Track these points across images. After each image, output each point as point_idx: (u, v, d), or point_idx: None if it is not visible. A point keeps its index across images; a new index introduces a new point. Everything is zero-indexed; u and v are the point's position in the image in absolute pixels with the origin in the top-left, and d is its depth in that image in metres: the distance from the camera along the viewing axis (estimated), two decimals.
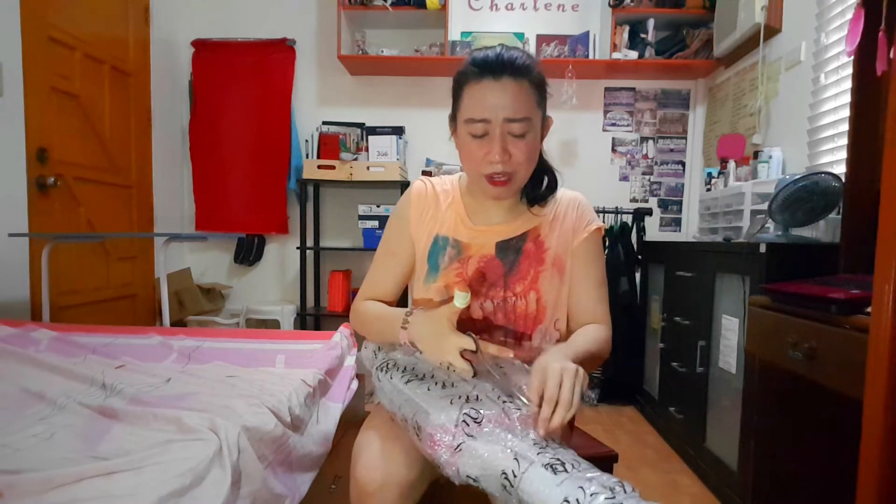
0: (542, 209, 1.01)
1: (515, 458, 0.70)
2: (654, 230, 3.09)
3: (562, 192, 1.05)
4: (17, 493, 0.73)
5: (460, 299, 0.85)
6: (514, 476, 0.68)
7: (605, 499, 0.62)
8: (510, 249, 0.99)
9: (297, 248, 2.94)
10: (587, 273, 1.01)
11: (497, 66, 0.87)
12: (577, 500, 0.63)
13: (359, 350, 1.52)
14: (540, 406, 0.74)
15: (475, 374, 0.85)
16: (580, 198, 1.05)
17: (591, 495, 0.63)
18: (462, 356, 0.84)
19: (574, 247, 1.01)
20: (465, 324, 0.98)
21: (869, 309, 0.80)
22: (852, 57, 1.25)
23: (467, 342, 0.84)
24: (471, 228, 1.00)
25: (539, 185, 1.00)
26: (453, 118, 0.96)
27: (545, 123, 0.95)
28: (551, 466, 0.68)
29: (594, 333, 0.96)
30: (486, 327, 0.99)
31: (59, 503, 0.72)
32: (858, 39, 1.01)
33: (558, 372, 0.75)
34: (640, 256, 2.87)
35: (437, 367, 0.88)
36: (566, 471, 0.67)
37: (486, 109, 0.87)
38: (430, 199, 1.03)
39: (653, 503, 0.62)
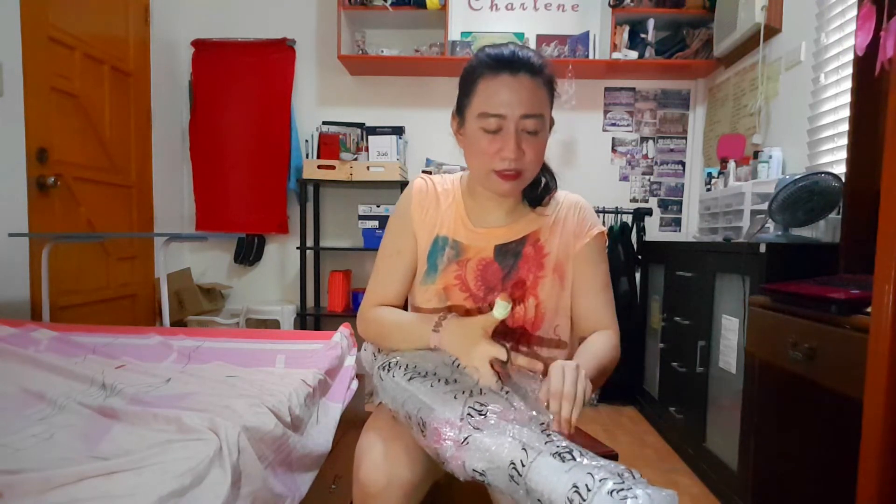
0: (545, 210, 1.00)
1: (523, 449, 0.70)
2: (654, 230, 3.09)
3: (563, 196, 1.03)
4: (17, 493, 0.73)
5: (500, 309, 0.82)
6: (523, 465, 0.68)
7: (614, 483, 0.63)
8: (509, 253, 0.98)
9: (297, 248, 2.94)
10: (590, 278, 1.00)
11: (514, 63, 0.86)
12: (587, 485, 0.63)
13: (359, 350, 1.52)
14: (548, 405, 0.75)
15: (501, 386, 0.82)
16: (581, 202, 1.04)
17: (601, 481, 0.63)
18: (491, 366, 0.81)
19: (576, 252, 0.99)
20: None
21: (869, 309, 0.80)
22: (853, 57, 1.25)
23: (499, 351, 0.82)
24: (470, 230, 0.99)
25: (537, 187, 0.99)
26: (460, 112, 0.93)
27: (551, 125, 0.95)
28: (559, 455, 0.68)
29: (603, 343, 0.94)
30: None
31: (59, 503, 0.72)
32: (871, 38, 1.01)
33: (560, 368, 0.76)
34: (640, 256, 2.87)
35: (440, 365, 0.87)
36: (574, 459, 0.68)
37: (503, 105, 0.86)
38: (431, 197, 1.01)
39: (659, 488, 0.63)
